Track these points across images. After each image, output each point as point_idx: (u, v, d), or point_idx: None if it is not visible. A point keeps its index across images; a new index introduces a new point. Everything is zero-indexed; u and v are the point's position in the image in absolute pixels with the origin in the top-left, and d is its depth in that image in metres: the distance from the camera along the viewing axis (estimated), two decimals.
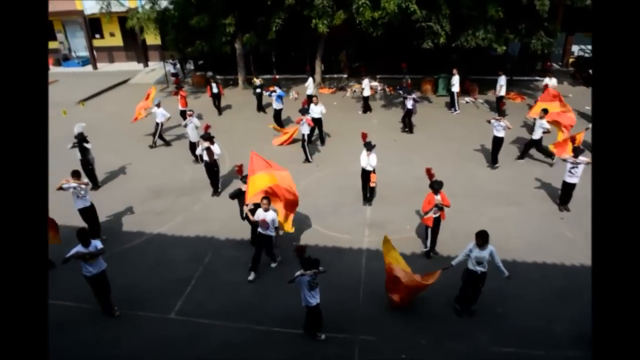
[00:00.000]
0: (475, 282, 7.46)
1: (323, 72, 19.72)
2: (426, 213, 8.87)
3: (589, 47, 23.22)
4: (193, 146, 13.87)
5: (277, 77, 20.07)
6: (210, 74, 23.28)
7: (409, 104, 15.42)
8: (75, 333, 7.73)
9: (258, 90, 18.40)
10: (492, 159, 13.03)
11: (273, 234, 8.70)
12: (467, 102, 18.86)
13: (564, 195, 10.78)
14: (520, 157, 13.56)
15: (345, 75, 22.84)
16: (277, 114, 16.51)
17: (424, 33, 16.76)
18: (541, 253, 9.31)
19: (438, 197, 8.76)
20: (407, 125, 15.98)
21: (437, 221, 9.01)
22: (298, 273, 6.74)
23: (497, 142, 12.72)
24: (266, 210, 8.41)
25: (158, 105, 15.31)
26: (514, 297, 8.09)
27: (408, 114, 15.68)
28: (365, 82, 17.74)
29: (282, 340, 7.42)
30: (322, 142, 15.26)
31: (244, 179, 9.41)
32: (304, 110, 13.86)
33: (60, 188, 9.40)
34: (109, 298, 7.92)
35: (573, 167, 10.25)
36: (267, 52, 21.89)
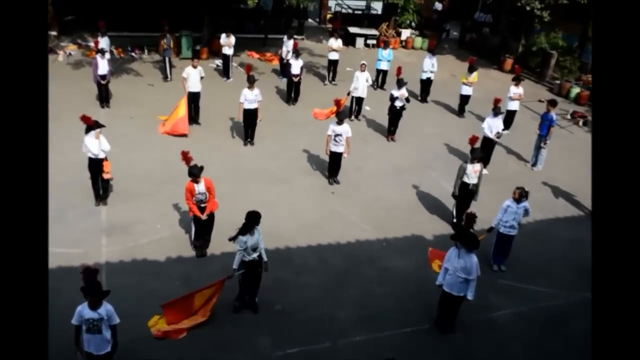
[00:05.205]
0: (253, 269, 6.96)
1: None
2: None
3: (347, 2, 23.81)
4: None
5: None
6: None
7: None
8: None
9: None
10: (246, 134, 11.92)
11: None
12: (217, 67, 17.13)
13: (331, 166, 10.57)
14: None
15: (54, 33, 17.58)
16: None
17: None
18: (317, 234, 8.97)
19: (201, 186, 7.75)
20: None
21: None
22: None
23: (248, 114, 11.45)
24: None
25: None
26: (293, 289, 7.71)
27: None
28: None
29: None
30: None
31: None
32: None
33: None
34: None
35: (337, 135, 10.01)
36: None
